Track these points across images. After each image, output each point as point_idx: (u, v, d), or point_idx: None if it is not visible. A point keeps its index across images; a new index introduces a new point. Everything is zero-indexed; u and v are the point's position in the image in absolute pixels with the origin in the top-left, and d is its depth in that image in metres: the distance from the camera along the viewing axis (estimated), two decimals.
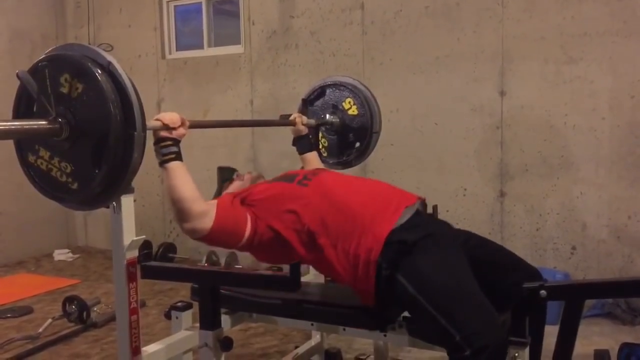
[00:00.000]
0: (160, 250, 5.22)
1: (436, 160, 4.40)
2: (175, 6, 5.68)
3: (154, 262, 2.15)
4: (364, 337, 2.30)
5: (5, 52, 5.61)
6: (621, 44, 3.78)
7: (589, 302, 3.58)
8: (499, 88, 4.15)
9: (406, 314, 2.04)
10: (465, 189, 4.32)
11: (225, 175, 2.37)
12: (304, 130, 2.79)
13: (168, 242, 5.42)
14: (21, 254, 5.70)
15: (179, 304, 2.30)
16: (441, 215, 2.77)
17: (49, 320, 3.73)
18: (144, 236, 2.04)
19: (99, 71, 1.64)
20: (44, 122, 1.66)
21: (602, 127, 3.87)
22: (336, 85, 3.02)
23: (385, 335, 2.09)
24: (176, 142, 1.96)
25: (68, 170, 1.70)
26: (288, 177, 2.21)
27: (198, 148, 5.33)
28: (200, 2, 5.49)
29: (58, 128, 1.66)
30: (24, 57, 5.74)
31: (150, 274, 2.06)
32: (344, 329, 2.18)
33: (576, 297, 1.93)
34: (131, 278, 2.02)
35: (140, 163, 1.69)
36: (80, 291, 4.44)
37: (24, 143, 1.80)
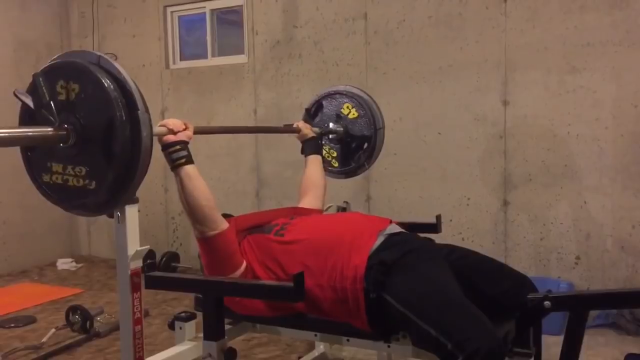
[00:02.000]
0: (164, 259, 5.22)
1: (439, 170, 4.40)
2: (179, 16, 5.71)
3: (158, 272, 2.14)
4: (367, 348, 2.29)
5: (10, 62, 5.64)
6: (624, 54, 3.78)
7: (593, 313, 3.56)
8: (502, 97, 4.16)
9: None
10: (468, 199, 4.32)
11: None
12: (311, 133, 2.83)
13: (171, 252, 5.43)
14: (25, 263, 5.70)
15: (183, 314, 2.30)
16: (444, 225, 2.79)
17: (52, 330, 3.72)
18: (148, 246, 2.05)
19: (90, 67, 1.67)
20: (49, 129, 1.67)
21: (606, 136, 3.87)
22: (330, 95, 3.06)
23: (389, 346, 2.09)
24: (184, 145, 2.00)
25: (83, 173, 1.71)
26: (263, 228, 2.25)
27: (202, 157, 5.34)
28: (204, 12, 5.52)
29: (65, 134, 1.67)
30: (28, 67, 5.77)
31: (155, 284, 2.06)
32: (348, 340, 2.17)
33: (581, 308, 1.92)
34: (135, 288, 2.02)
35: (151, 144, 1.70)
36: (83, 301, 4.44)
37: (36, 165, 1.80)
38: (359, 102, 3.00)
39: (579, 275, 3.99)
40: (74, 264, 5.82)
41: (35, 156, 1.81)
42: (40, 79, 1.70)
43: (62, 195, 1.78)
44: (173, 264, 5.29)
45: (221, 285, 2.01)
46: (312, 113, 3.07)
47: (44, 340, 3.63)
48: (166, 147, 1.98)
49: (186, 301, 4.30)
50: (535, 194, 4.09)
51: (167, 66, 5.68)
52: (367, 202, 4.66)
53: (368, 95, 3.06)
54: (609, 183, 3.87)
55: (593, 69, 3.87)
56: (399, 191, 4.55)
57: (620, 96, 3.82)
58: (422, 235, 2.31)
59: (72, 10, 6.18)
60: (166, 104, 5.61)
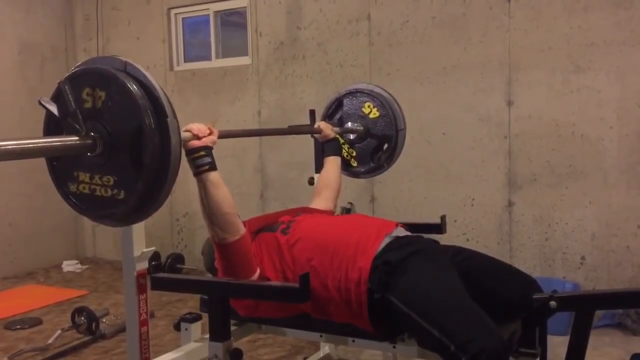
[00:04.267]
0: (169, 261, 5.23)
1: (444, 170, 4.40)
2: (183, 18, 5.72)
3: (164, 273, 2.14)
4: (373, 348, 2.29)
5: (15, 65, 5.66)
6: (628, 53, 3.77)
7: (599, 312, 3.56)
8: (506, 98, 4.16)
9: None
10: (473, 199, 4.32)
11: None
12: (332, 133, 2.81)
13: (176, 253, 5.44)
14: (30, 265, 5.72)
15: (188, 315, 2.31)
16: (449, 226, 2.79)
17: (58, 332, 3.73)
18: (153, 248, 2.05)
19: (117, 73, 1.62)
20: (76, 138, 1.61)
21: (611, 136, 3.86)
22: (352, 94, 2.99)
23: (394, 347, 2.09)
24: (209, 151, 1.97)
25: (111, 183, 1.66)
26: (271, 227, 2.24)
27: None
28: (208, 14, 5.53)
29: (91, 143, 1.62)
30: (33, 70, 5.80)
31: (160, 285, 2.06)
32: (353, 341, 2.17)
33: (586, 308, 1.92)
34: (141, 290, 2.03)
35: (180, 151, 1.65)
36: (89, 302, 4.45)
37: (62, 174, 1.75)
38: (380, 101, 2.93)
39: (585, 275, 3.98)
40: (79, 265, 5.84)
41: (61, 165, 1.75)
42: (66, 87, 1.64)
43: (89, 205, 1.72)
44: (178, 266, 5.30)
45: (227, 287, 2.02)
46: (332, 111, 3.02)
47: (50, 341, 3.64)
48: (190, 152, 1.94)
49: (191, 302, 4.32)
50: (540, 194, 4.09)
51: (171, 68, 5.69)
52: (371, 203, 4.66)
53: (390, 94, 2.99)
54: (614, 183, 3.87)
55: (597, 69, 3.87)
56: (404, 192, 4.55)
57: (625, 96, 3.81)
58: (427, 236, 2.30)
59: (76, 13, 6.20)
60: None
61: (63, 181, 1.75)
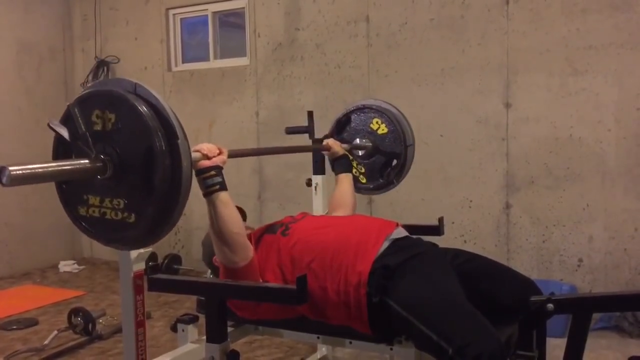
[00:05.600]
0: (166, 261, 5.22)
1: (441, 172, 4.40)
2: (181, 19, 5.72)
3: (161, 274, 2.13)
4: (370, 350, 2.29)
5: (12, 65, 5.65)
6: (626, 56, 3.78)
7: (596, 315, 3.56)
8: (504, 100, 4.16)
9: None
10: (470, 201, 4.32)
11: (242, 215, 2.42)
12: (342, 150, 2.78)
13: (173, 254, 5.43)
14: (27, 265, 5.71)
15: (185, 316, 2.30)
16: (447, 227, 2.79)
17: (55, 332, 3.72)
18: (150, 248, 2.04)
19: (127, 95, 1.61)
20: (86, 162, 1.59)
21: (608, 139, 3.87)
22: (360, 109, 2.97)
23: (391, 349, 2.09)
24: (219, 171, 1.95)
25: (122, 206, 1.63)
26: (272, 228, 2.24)
27: None
28: (206, 15, 5.53)
29: (101, 166, 1.60)
30: (31, 70, 5.79)
31: (157, 286, 2.05)
32: (350, 342, 2.17)
33: (584, 311, 1.92)
34: (138, 290, 2.03)
35: (191, 173, 1.63)
36: (85, 303, 4.43)
37: (71, 197, 1.73)
38: (388, 117, 2.91)
39: (582, 277, 3.98)
40: (76, 266, 5.83)
41: (71, 188, 1.73)
42: (75, 109, 1.63)
43: (99, 229, 1.70)
44: (175, 266, 5.29)
45: (224, 288, 2.01)
46: (340, 127, 3.00)
47: (46, 342, 3.63)
48: (201, 172, 1.92)
49: (188, 303, 4.31)
50: (538, 196, 4.09)
51: (169, 69, 5.68)
52: (369, 205, 4.65)
53: (398, 110, 2.97)
54: (612, 186, 3.87)
55: (595, 72, 3.87)
56: (401, 193, 4.53)
57: (623, 99, 3.82)
58: (424, 238, 2.30)
59: (74, 13, 6.19)
60: None
61: (72, 205, 1.72)
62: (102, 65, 5.95)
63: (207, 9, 5.50)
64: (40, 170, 1.50)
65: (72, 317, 3.81)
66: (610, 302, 2.10)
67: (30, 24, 5.82)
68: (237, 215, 1.98)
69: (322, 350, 3.16)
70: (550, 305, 1.89)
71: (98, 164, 1.59)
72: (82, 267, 5.85)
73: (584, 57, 3.89)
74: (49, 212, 5.52)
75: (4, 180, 1.38)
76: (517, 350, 1.95)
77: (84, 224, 1.72)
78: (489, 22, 4.18)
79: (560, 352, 1.90)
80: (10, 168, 1.39)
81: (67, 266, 5.80)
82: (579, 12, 3.89)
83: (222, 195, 1.94)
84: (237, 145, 5.22)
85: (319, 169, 3.06)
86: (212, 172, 1.93)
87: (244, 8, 5.26)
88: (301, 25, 4.92)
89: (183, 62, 5.72)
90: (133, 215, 1.62)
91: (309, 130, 3.06)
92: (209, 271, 2.57)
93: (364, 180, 2.97)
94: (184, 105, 5.53)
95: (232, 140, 5.29)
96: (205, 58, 5.57)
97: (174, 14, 5.69)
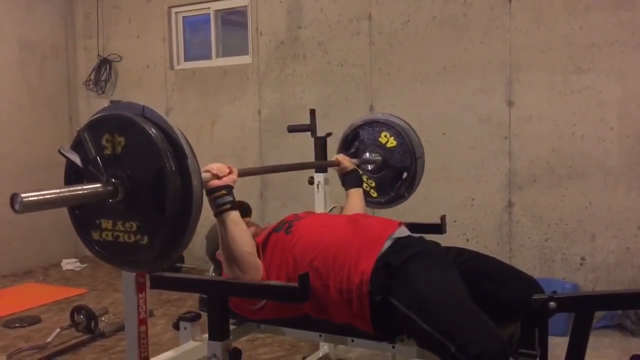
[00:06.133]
0: None
1: (444, 171, 4.40)
2: (183, 17, 5.72)
3: (163, 272, 2.13)
4: (372, 348, 2.29)
5: (15, 63, 5.65)
6: (629, 54, 3.77)
7: (598, 314, 3.55)
8: (506, 98, 4.15)
9: None
10: (473, 199, 4.31)
11: (246, 211, 2.41)
12: (351, 165, 2.77)
13: None
14: (29, 263, 5.72)
15: (188, 314, 2.30)
16: (449, 226, 2.79)
17: (57, 330, 3.73)
18: None
19: (136, 118, 1.62)
20: (98, 186, 1.60)
21: (611, 137, 3.86)
22: (368, 124, 2.96)
23: (393, 347, 2.09)
24: (230, 190, 1.96)
25: (134, 228, 1.64)
26: (277, 227, 2.24)
27: (206, 157, 5.31)
28: (209, 13, 5.53)
29: (113, 190, 1.60)
30: (33, 68, 5.80)
31: (160, 284, 2.05)
32: (352, 340, 2.17)
33: (586, 309, 1.92)
34: (140, 288, 2.03)
35: (202, 193, 1.64)
36: (88, 301, 4.45)
37: (84, 222, 1.74)
38: (397, 130, 2.90)
39: (584, 276, 3.98)
40: (78, 264, 5.84)
41: (83, 213, 1.73)
42: (85, 134, 1.64)
43: (113, 253, 1.70)
44: (177, 264, 5.30)
45: (226, 286, 2.01)
46: (348, 142, 2.99)
47: (48, 340, 3.64)
48: (211, 192, 1.92)
49: (190, 301, 4.32)
50: (540, 194, 4.09)
51: (172, 67, 5.68)
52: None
53: (407, 123, 2.96)
54: (614, 184, 3.87)
55: (598, 70, 3.86)
56: None
57: (626, 97, 3.81)
58: (426, 236, 2.30)
59: (77, 11, 6.19)
60: (170, 104, 5.62)
61: (86, 230, 1.73)
62: (104, 63, 5.96)
63: (209, 7, 5.50)
64: (52, 196, 1.51)
65: (75, 315, 3.81)
66: (612, 301, 2.10)
67: (32, 22, 5.82)
68: (247, 235, 1.99)
69: (324, 348, 3.16)
70: (552, 304, 1.89)
71: (109, 188, 1.60)
72: (84, 265, 5.86)
73: (587, 55, 3.89)
74: (52, 210, 5.49)
75: (17, 207, 1.40)
76: (519, 349, 1.94)
77: (97, 248, 1.72)
78: (491, 20, 4.17)
79: (563, 351, 1.90)
80: (23, 195, 1.40)
81: (69, 264, 5.82)
82: (581, 10, 3.89)
83: (233, 215, 1.94)
84: (240, 143, 5.25)
85: (321, 167, 3.06)
86: (223, 192, 1.93)
87: (246, 6, 5.26)
88: (303, 23, 4.92)
89: (185, 61, 5.72)
90: (146, 237, 1.62)
91: (311, 128, 3.06)
92: (211, 269, 2.57)
93: (374, 194, 2.96)
94: (186, 104, 5.54)
95: (234, 139, 5.30)
96: (208, 56, 5.57)
97: (176, 12, 5.69)
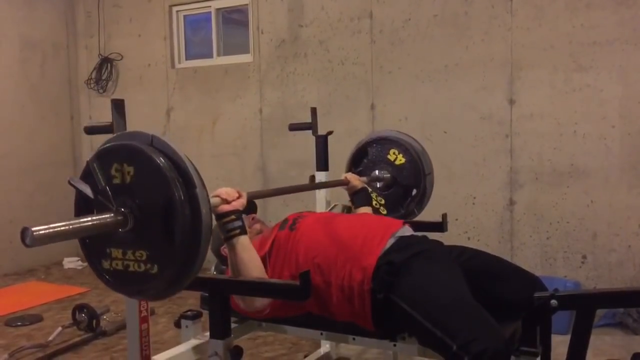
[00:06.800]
0: None
1: (445, 169, 4.39)
2: (184, 16, 5.72)
3: None
4: (373, 346, 2.29)
5: (16, 61, 5.66)
6: (631, 52, 3.77)
7: (600, 312, 3.55)
8: (508, 96, 4.15)
9: None
10: (474, 198, 4.31)
11: (252, 208, 2.41)
12: (360, 184, 2.75)
13: None
14: (31, 262, 5.73)
15: (189, 312, 2.30)
16: (450, 224, 2.79)
17: (59, 329, 3.73)
18: None
19: (144, 147, 1.62)
20: (107, 216, 1.61)
21: (613, 135, 3.86)
22: (375, 141, 2.95)
23: (394, 345, 2.09)
24: (239, 215, 1.96)
25: (144, 257, 1.65)
26: (281, 225, 2.25)
27: (207, 156, 5.36)
28: (210, 12, 5.53)
29: (122, 219, 1.61)
30: (35, 66, 5.80)
31: None
32: (354, 339, 2.17)
33: (587, 307, 1.92)
34: None
35: (211, 220, 1.65)
36: (89, 299, 4.45)
37: (94, 252, 1.74)
38: (405, 147, 2.88)
39: (586, 274, 3.98)
40: (80, 262, 5.84)
41: (93, 243, 1.74)
42: (95, 165, 1.65)
43: (124, 282, 1.70)
44: None
45: (227, 284, 2.01)
46: (356, 159, 2.98)
47: (50, 338, 3.64)
48: (221, 217, 1.93)
49: (191, 300, 4.31)
50: (542, 193, 4.08)
51: (173, 65, 5.68)
52: None
53: (415, 140, 2.94)
54: (616, 182, 3.86)
55: (600, 68, 3.86)
56: None
57: (627, 95, 3.80)
58: (428, 235, 2.30)
59: (78, 10, 6.19)
60: (172, 103, 5.62)
61: (96, 259, 1.73)
62: (105, 62, 5.96)
63: (210, 6, 5.51)
64: (62, 228, 1.52)
65: (77, 313, 3.82)
66: (613, 299, 2.09)
67: (33, 21, 5.82)
68: (257, 259, 1.99)
69: (326, 346, 3.16)
70: (554, 302, 1.89)
71: (119, 218, 1.61)
72: (86, 263, 5.83)
73: (589, 53, 3.88)
74: (54, 209, 5.53)
75: (27, 241, 1.42)
76: (520, 347, 1.94)
77: (108, 277, 1.72)
78: (492, 18, 4.17)
79: (564, 349, 1.90)
80: (33, 229, 1.42)
81: (71, 263, 5.82)
82: (583, 8, 3.88)
83: (242, 239, 1.95)
84: (241, 142, 5.25)
85: (322, 166, 3.06)
86: (232, 217, 1.94)
87: (247, 5, 5.26)
88: (304, 21, 4.92)
89: (186, 59, 5.72)
90: (156, 266, 1.63)
91: (312, 126, 3.06)
92: (213, 267, 2.57)
93: (384, 212, 2.92)
94: (188, 102, 5.54)
95: (235, 137, 5.30)
96: (209, 55, 5.57)
97: (177, 11, 5.69)
